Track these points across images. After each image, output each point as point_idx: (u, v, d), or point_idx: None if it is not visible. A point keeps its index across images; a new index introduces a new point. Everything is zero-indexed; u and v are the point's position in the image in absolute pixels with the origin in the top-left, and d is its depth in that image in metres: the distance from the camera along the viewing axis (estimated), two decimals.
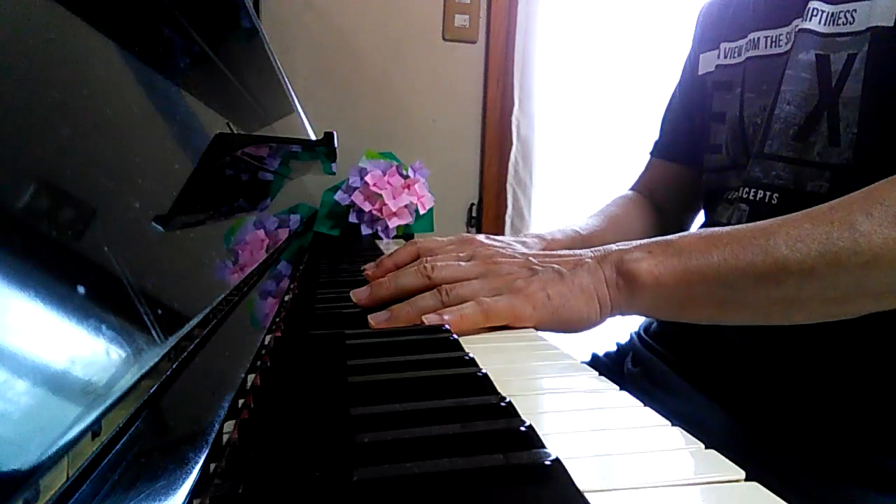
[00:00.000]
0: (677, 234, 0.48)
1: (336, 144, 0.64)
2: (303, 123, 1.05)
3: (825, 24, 0.55)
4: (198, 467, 0.20)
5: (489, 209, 1.72)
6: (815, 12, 0.56)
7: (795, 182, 0.57)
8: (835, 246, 0.42)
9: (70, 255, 0.19)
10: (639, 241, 0.48)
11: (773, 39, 0.62)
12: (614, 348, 0.82)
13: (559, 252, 0.51)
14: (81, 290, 0.18)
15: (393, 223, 1.21)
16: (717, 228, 0.47)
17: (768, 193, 0.59)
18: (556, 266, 0.48)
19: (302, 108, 1.09)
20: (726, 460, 0.24)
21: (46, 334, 0.16)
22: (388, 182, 1.21)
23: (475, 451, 0.23)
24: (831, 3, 0.55)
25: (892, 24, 0.50)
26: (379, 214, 1.20)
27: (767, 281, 0.43)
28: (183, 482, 0.19)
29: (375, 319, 0.45)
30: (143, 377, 0.20)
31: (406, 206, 1.22)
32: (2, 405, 0.13)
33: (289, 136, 0.80)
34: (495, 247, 0.54)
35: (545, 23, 1.61)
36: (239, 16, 0.67)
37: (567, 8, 1.66)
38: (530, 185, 1.68)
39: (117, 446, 0.19)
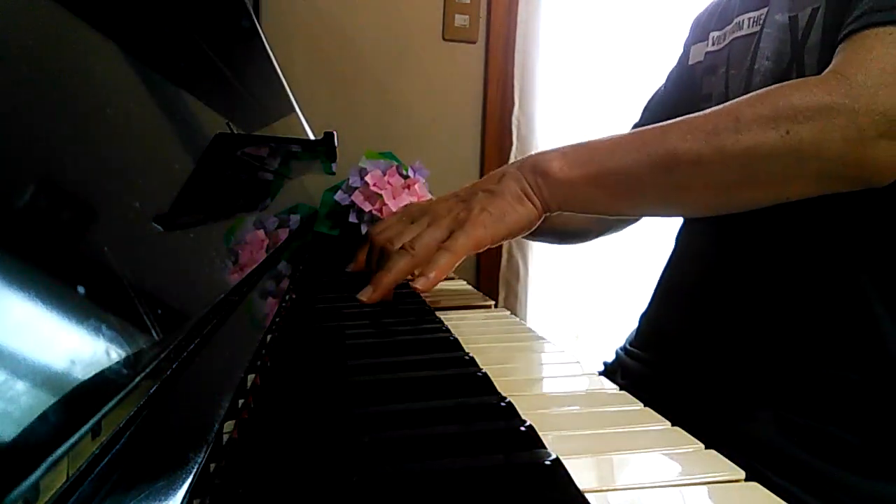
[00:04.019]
0: (595, 139, 0.54)
1: (336, 144, 0.64)
2: (303, 123, 1.05)
3: None
4: (198, 467, 0.20)
5: None
6: None
7: None
8: (719, 135, 0.46)
9: (70, 255, 0.19)
10: (559, 147, 0.55)
11: (755, 19, 0.66)
12: (601, 368, 0.83)
13: (480, 179, 0.57)
14: (81, 290, 0.18)
15: None
16: (627, 132, 0.53)
17: None
18: (482, 188, 0.54)
19: (302, 108, 1.09)
20: (726, 460, 0.24)
21: (46, 334, 0.16)
22: (388, 182, 1.21)
23: (475, 450, 0.23)
24: None
25: None
26: (379, 214, 1.20)
27: (661, 170, 0.49)
28: (183, 482, 0.19)
29: (364, 295, 0.50)
30: (143, 377, 0.20)
31: None
32: (2, 405, 0.13)
33: (289, 136, 0.80)
34: (426, 202, 0.61)
35: (546, 23, 1.61)
36: (239, 16, 0.67)
37: (568, 8, 1.66)
38: None
39: (117, 446, 0.19)
